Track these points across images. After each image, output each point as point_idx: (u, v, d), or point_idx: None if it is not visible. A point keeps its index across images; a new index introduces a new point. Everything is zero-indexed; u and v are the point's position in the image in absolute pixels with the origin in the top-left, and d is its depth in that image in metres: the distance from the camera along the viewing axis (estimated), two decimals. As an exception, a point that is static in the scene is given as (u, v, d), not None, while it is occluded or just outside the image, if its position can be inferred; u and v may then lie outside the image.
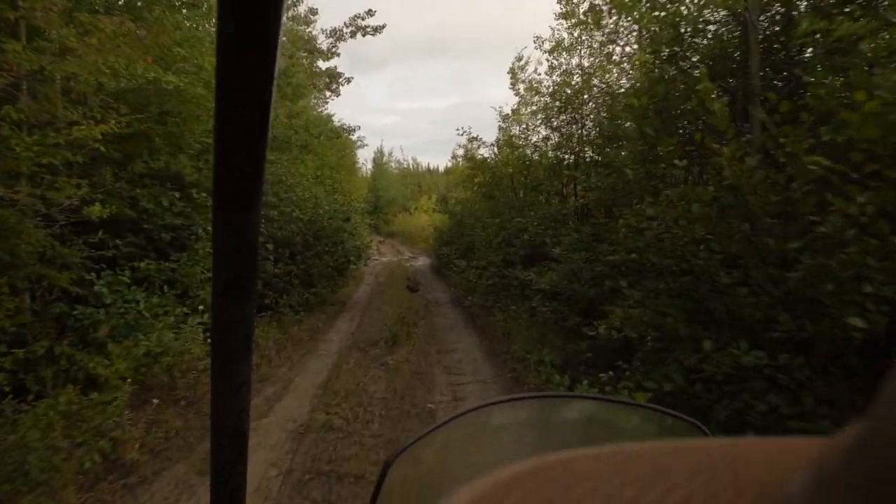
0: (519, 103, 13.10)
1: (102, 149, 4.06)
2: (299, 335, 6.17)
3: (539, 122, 9.80)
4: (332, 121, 11.61)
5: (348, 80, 10.40)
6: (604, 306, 3.93)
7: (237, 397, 0.37)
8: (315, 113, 10.34)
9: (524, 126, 11.09)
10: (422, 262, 17.29)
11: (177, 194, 5.31)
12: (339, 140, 15.51)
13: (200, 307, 5.17)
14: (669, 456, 0.16)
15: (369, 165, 44.10)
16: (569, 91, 8.20)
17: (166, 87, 4.77)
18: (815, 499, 0.12)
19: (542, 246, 6.18)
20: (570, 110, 7.86)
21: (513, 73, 13.22)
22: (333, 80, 10.09)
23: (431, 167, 49.92)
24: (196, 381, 4.19)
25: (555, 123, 8.33)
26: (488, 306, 6.79)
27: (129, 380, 3.74)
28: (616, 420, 0.75)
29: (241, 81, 0.24)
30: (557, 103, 8.45)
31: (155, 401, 3.71)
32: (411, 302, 8.21)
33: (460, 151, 11.65)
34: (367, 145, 15.54)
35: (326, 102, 17.57)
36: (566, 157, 7.87)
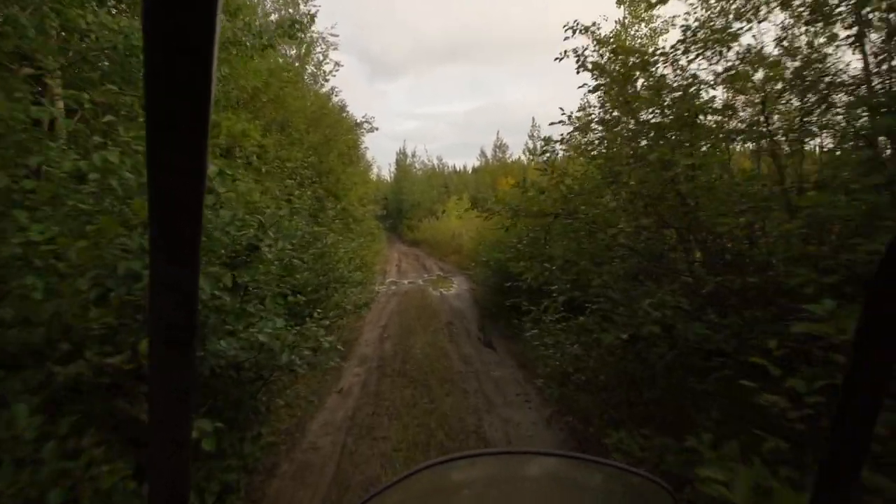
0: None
1: None
2: None
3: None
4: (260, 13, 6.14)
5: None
6: None
7: (175, 457, 0.34)
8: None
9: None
10: (457, 288, 11.90)
11: None
12: (327, 108, 10.44)
13: None
14: None
15: (392, 168, 39.68)
16: None
17: None
18: None
19: None
20: None
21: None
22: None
23: (458, 168, 44.88)
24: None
25: None
26: None
27: None
28: (579, 478, 0.73)
29: (175, 124, 0.22)
30: None
31: None
32: None
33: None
34: (377, 129, 10.36)
35: (326, 79, 12.61)
36: None
